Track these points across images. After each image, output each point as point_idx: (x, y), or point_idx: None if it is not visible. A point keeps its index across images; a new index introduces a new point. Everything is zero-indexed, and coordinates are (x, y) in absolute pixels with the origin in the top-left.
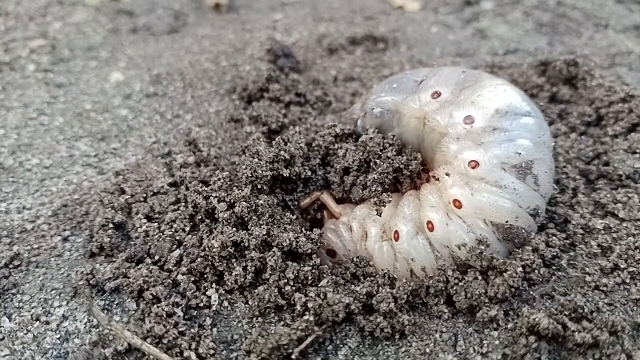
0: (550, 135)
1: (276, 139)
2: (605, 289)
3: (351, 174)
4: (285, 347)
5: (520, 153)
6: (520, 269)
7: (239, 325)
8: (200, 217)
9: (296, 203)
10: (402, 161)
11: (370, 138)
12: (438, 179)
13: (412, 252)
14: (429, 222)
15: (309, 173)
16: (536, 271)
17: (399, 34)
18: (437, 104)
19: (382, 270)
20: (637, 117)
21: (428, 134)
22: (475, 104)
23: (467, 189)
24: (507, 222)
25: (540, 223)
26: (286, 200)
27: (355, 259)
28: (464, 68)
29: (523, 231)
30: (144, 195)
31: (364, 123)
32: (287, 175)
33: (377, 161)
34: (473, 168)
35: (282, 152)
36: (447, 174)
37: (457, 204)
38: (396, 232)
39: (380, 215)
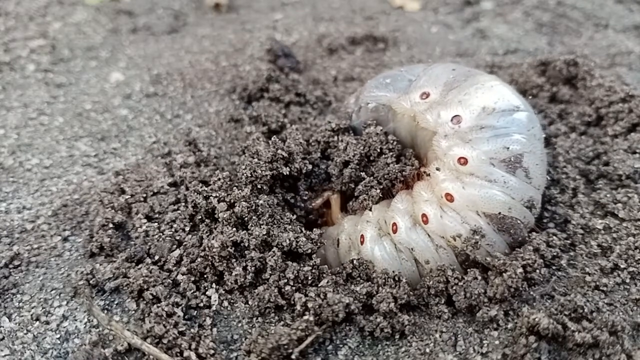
0: (540, 127)
1: (272, 138)
2: (605, 289)
3: (350, 166)
4: (285, 347)
5: (508, 148)
6: (520, 269)
7: (239, 325)
8: (200, 217)
9: (305, 199)
10: (397, 169)
11: (376, 133)
12: (429, 175)
13: (411, 242)
14: (423, 215)
15: (310, 167)
16: (537, 271)
17: (399, 34)
18: (426, 104)
19: (386, 270)
20: (637, 117)
21: (420, 131)
22: (462, 103)
23: (459, 182)
24: (499, 213)
25: (537, 215)
26: (287, 199)
27: (355, 261)
28: (455, 66)
29: (518, 222)
30: (144, 195)
31: (359, 117)
32: (287, 173)
33: (371, 169)
34: (462, 164)
35: (279, 151)
36: (437, 169)
37: (449, 197)
38: (394, 223)
39: (371, 210)
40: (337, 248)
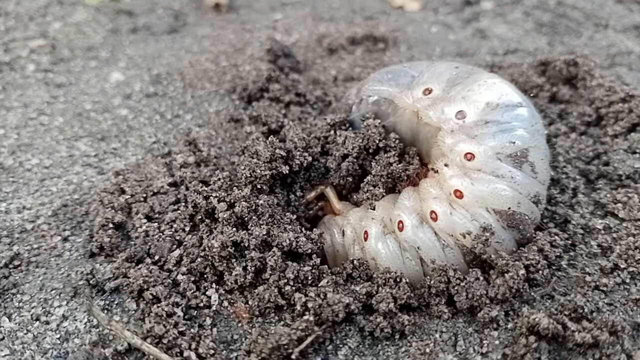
0: (543, 123)
1: (269, 138)
2: (605, 289)
3: (348, 159)
4: (285, 347)
5: (514, 142)
6: (522, 270)
7: (239, 325)
8: (200, 217)
9: (300, 195)
10: (400, 167)
11: (375, 126)
12: (437, 172)
13: (417, 241)
14: (432, 212)
15: (310, 159)
16: (540, 272)
17: (399, 34)
18: (428, 100)
19: (389, 268)
20: (637, 117)
21: (423, 127)
22: (466, 99)
23: (467, 179)
24: (509, 208)
25: (542, 211)
26: (288, 199)
27: (355, 261)
28: (458, 64)
29: (526, 217)
30: (144, 195)
31: (359, 109)
32: (287, 172)
33: (372, 164)
34: (469, 160)
35: (277, 150)
36: (446, 165)
37: (458, 194)
38: (400, 221)
39: (374, 209)
40: (343, 239)
